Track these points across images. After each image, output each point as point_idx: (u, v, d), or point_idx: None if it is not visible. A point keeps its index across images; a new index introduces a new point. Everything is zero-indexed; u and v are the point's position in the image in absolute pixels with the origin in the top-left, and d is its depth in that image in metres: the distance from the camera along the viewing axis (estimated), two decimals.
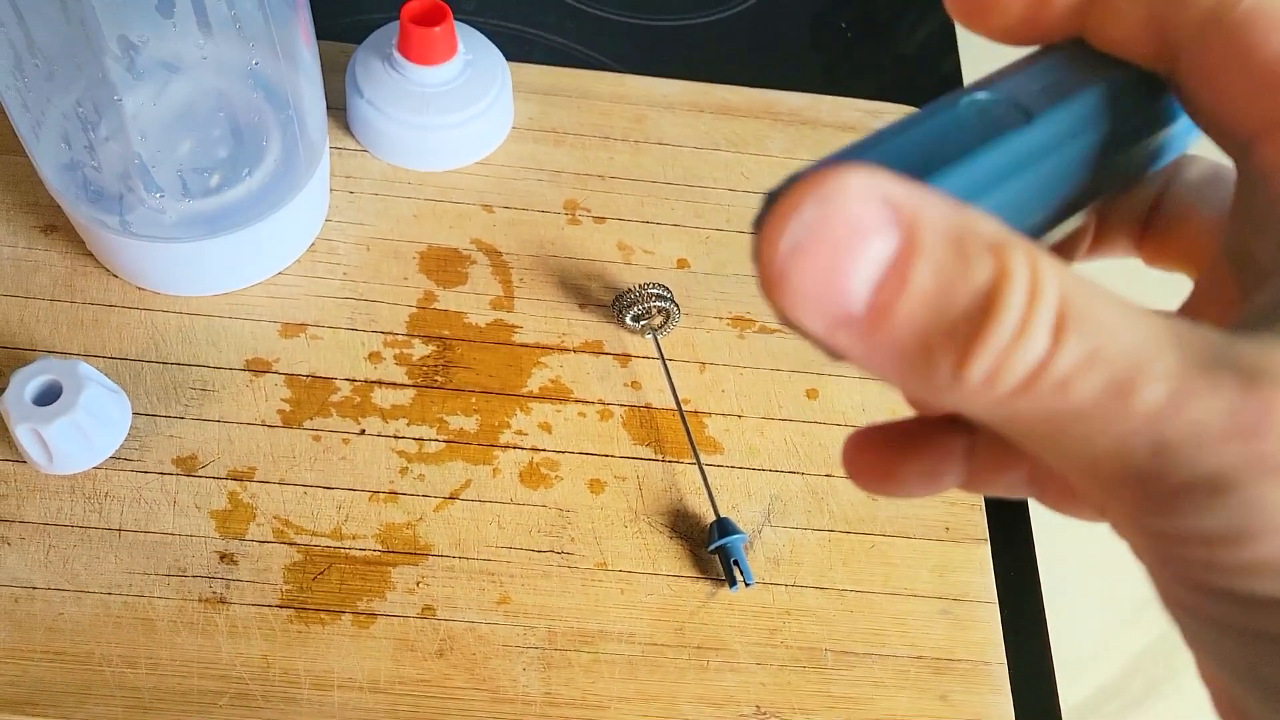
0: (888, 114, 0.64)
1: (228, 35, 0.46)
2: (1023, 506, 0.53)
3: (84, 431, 0.45)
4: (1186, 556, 0.14)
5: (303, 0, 0.47)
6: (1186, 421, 0.13)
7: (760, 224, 0.13)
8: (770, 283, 0.13)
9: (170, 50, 0.45)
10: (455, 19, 0.56)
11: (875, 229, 0.13)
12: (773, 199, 0.14)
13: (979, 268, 0.13)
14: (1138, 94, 0.18)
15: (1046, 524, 0.50)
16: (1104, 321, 0.13)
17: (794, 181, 0.13)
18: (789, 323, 0.14)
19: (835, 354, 0.14)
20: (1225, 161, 0.18)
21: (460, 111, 0.57)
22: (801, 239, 0.13)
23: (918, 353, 0.13)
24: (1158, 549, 0.14)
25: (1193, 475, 0.13)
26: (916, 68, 0.72)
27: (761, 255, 0.13)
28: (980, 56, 0.73)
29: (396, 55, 0.56)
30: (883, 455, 0.20)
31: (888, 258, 0.13)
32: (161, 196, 0.48)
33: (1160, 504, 0.13)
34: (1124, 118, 0.18)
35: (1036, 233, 0.18)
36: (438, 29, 0.55)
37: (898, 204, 0.13)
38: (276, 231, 0.51)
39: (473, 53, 0.58)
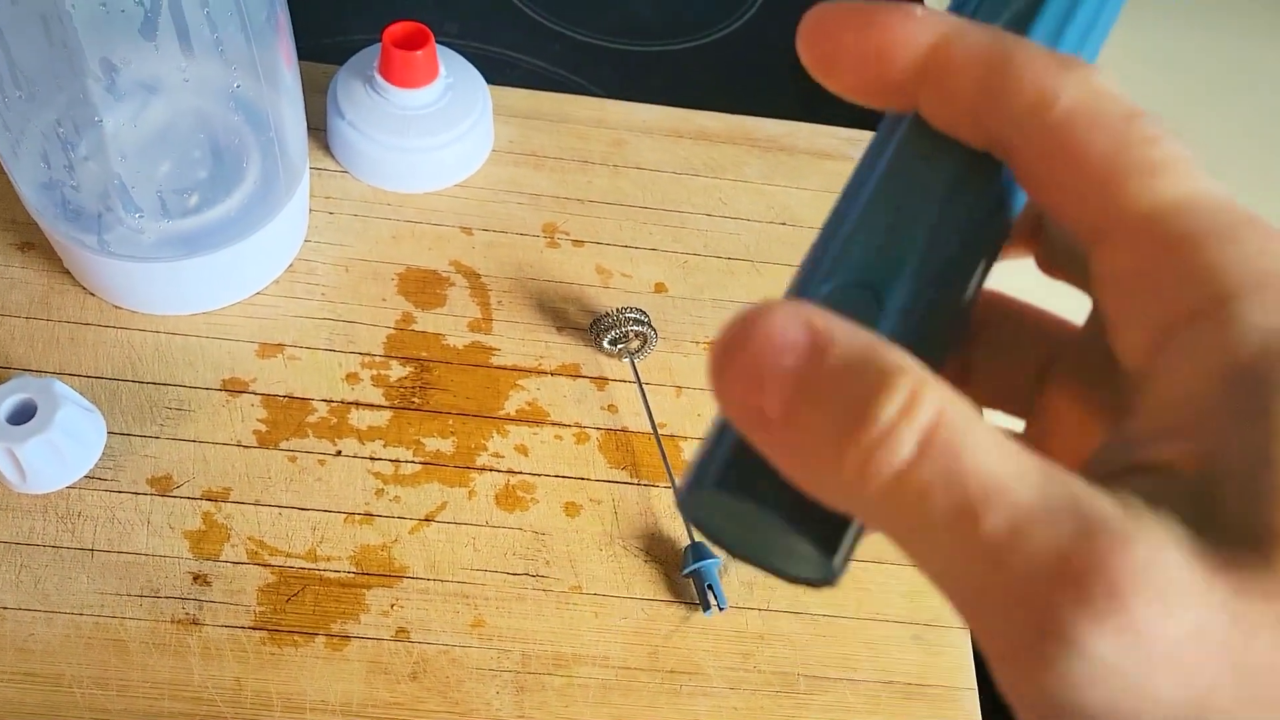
0: (865, 142, 0.65)
1: (210, 57, 0.46)
2: None
3: (58, 450, 0.45)
4: (1028, 687, 0.14)
5: (285, 23, 0.48)
6: (1020, 557, 0.13)
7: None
8: (710, 373, 0.15)
9: (151, 72, 0.46)
10: (437, 42, 0.56)
11: (791, 343, 0.15)
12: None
13: (868, 382, 0.14)
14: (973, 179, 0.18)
15: None
16: (972, 449, 0.14)
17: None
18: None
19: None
20: None
21: (441, 134, 0.57)
22: (729, 344, 0.15)
23: (809, 445, 0.15)
24: (1005, 671, 0.14)
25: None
26: None
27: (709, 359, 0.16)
28: None
29: (378, 78, 0.56)
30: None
31: (797, 367, 0.15)
32: (140, 216, 0.48)
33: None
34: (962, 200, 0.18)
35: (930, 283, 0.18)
36: (419, 52, 0.55)
37: (817, 327, 0.15)
38: (255, 252, 0.51)
39: (454, 76, 0.58)
